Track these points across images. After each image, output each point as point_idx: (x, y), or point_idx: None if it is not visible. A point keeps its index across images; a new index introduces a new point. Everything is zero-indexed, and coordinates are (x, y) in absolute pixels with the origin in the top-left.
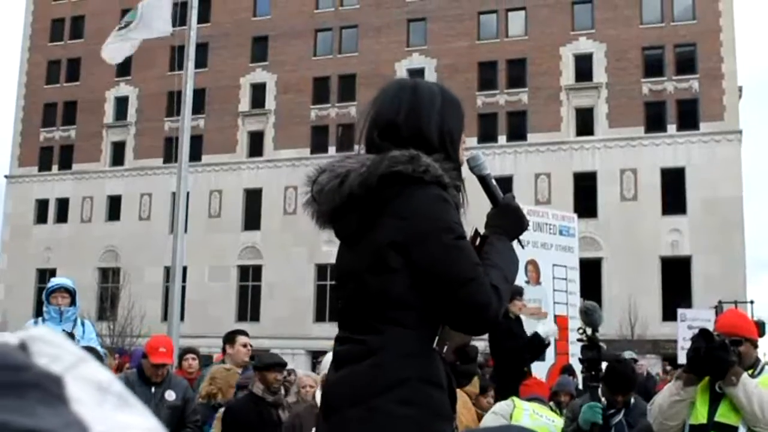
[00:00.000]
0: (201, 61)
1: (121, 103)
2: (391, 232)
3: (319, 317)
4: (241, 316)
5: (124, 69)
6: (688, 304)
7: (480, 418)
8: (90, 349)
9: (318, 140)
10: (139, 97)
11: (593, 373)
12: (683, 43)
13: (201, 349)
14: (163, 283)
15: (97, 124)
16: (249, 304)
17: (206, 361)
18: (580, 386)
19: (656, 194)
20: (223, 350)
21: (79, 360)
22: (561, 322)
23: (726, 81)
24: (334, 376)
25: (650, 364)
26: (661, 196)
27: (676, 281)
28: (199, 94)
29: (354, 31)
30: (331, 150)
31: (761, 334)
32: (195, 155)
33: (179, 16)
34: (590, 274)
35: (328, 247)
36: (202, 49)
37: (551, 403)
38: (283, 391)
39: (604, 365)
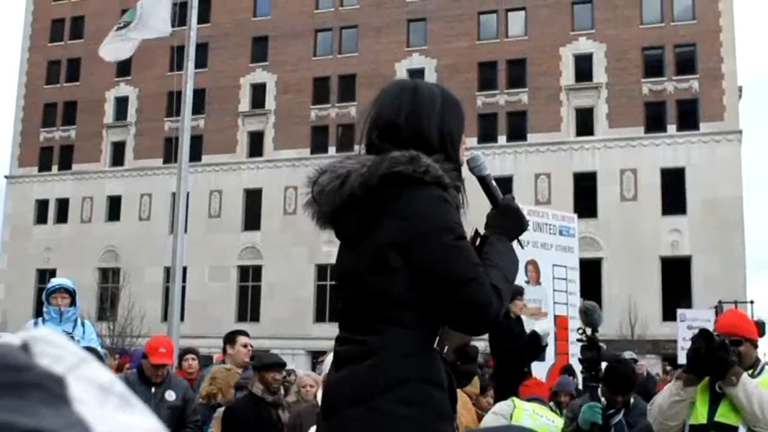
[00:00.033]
0: (201, 62)
1: (121, 103)
2: (391, 232)
3: (319, 317)
4: (241, 317)
5: (124, 69)
6: (688, 305)
7: (480, 418)
8: (90, 350)
9: (318, 140)
10: (139, 97)
11: (593, 373)
12: (683, 43)
13: (201, 350)
14: (163, 284)
15: (97, 125)
16: (249, 305)
17: (206, 361)
18: (580, 386)
19: (656, 194)
20: (224, 350)
21: (81, 360)
22: (561, 322)
23: (726, 81)
24: (335, 376)
25: (650, 365)
26: (661, 196)
27: (676, 281)
28: (199, 95)
29: (354, 31)
30: (331, 150)
31: (761, 334)
32: (195, 155)
33: (179, 16)
34: (590, 274)
35: (328, 248)
36: (202, 49)
37: (551, 404)
38: (282, 391)
39: (603, 365)
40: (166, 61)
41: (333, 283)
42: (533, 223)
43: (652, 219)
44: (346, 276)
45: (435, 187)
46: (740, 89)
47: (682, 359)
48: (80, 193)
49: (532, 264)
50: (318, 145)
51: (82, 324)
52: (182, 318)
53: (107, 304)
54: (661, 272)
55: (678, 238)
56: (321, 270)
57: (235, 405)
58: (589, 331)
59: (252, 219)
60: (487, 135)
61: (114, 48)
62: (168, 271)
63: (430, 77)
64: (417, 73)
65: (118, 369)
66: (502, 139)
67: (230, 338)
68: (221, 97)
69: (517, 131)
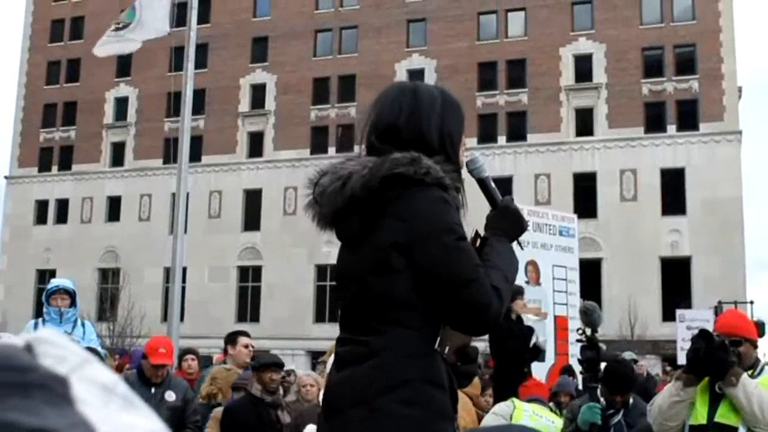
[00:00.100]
0: (201, 62)
1: (121, 103)
2: (392, 233)
3: (319, 318)
4: (241, 317)
5: (123, 70)
6: (687, 305)
7: (480, 418)
8: (91, 350)
9: (318, 141)
10: (138, 98)
11: (592, 373)
12: (683, 43)
13: (201, 350)
14: (163, 284)
15: (97, 125)
16: (249, 305)
17: (206, 361)
18: (580, 387)
19: (656, 195)
20: (225, 351)
21: (84, 361)
22: (561, 322)
23: (726, 81)
24: (336, 377)
25: (650, 365)
26: (661, 197)
27: (675, 282)
28: (199, 95)
29: (354, 31)
30: (331, 150)
31: (761, 334)
32: (195, 156)
33: (179, 17)
34: (590, 274)
35: (327, 248)
36: (202, 49)
37: (551, 404)
38: (281, 392)
39: (603, 366)
40: (166, 61)
41: (333, 283)
42: (533, 223)
43: (652, 219)
44: (348, 277)
45: (436, 188)
46: (740, 89)
47: (681, 360)
48: (80, 193)
49: (532, 264)
50: (318, 146)
51: (82, 324)
52: (182, 318)
53: (107, 305)
54: (660, 272)
55: (678, 239)
56: (321, 270)
57: (233, 405)
58: (588, 331)
59: (252, 219)
60: (486, 135)
61: (111, 47)
62: (168, 272)
63: (430, 78)
64: (417, 74)
65: (118, 369)
66: (501, 139)
67: (231, 339)
68: (221, 98)
69: (517, 131)
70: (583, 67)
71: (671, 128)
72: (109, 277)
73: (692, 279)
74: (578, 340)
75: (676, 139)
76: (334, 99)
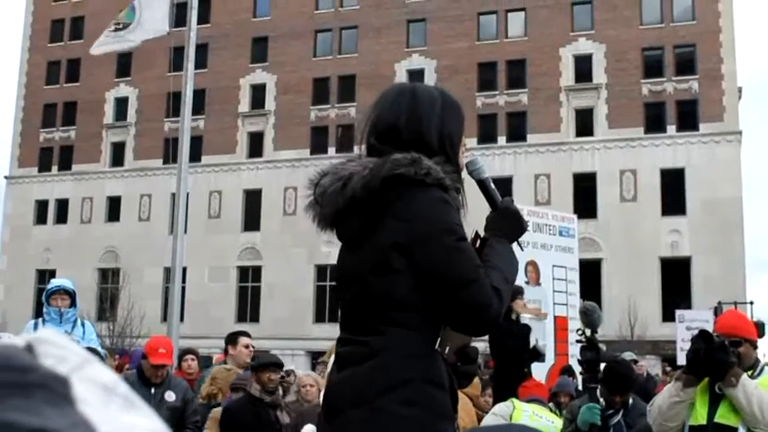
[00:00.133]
0: (201, 62)
1: (121, 103)
2: (393, 233)
3: (319, 318)
4: (241, 317)
5: (123, 70)
6: (687, 305)
7: (479, 418)
8: (91, 350)
9: (318, 141)
10: (138, 98)
11: (592, 374)
12: (683, 43)
13: (200, 350)
14: (163, 284)
15: (97, 125)
16: (249, 305)
17: (206, 362)
18: (580, 387)
19: (656, 195)
20: (225, 351)
21: (85, 361)
22: (561, 322)
23: (726, 82)
24: (337, 377)
25: (650, 365)
26: (661, 197)
27: (675, 282)
28: (198, 95)
29: (354, 31)
30: (331, 151)
31: (761, 334)
32: (195, 156)
33: (179, 17)
34: (590, 274)
35: (327, 248)
36: (201, 49)
37: (551, 404)
38: (281, 392)
39: (602, 366)
40: (166, 61)
41: (333, 283)
42: (533, 223)
43: (652, 220)
44: (348, 277)
45: (436, 188)
46: (740, 90)
47: (681, 360)
48: (80, 193)
49: (532, 265)
50: (318, 146)
51: (82, 324)
52: (182, 318)
53: (107, 305)
54: (660, 273)
55: (678, 239)
56: (320, 270)
57: (232, 406)
58: (588, 332)
59: (252, 219)
60: (486, 136)
61: (109, 47)
62: (168, 272)
63: (430, 78)
64: (417, 74)
65: (118, 369)
66: (501, 139)
67: (232, 339)
68: (221, 98)
69: (517, 132)
70: (583, 68)
71: (671, 128)
72: (109, 277)
73: (692, 279)
74: (578, 341)
75: (676, 140)
76: (334, 99)
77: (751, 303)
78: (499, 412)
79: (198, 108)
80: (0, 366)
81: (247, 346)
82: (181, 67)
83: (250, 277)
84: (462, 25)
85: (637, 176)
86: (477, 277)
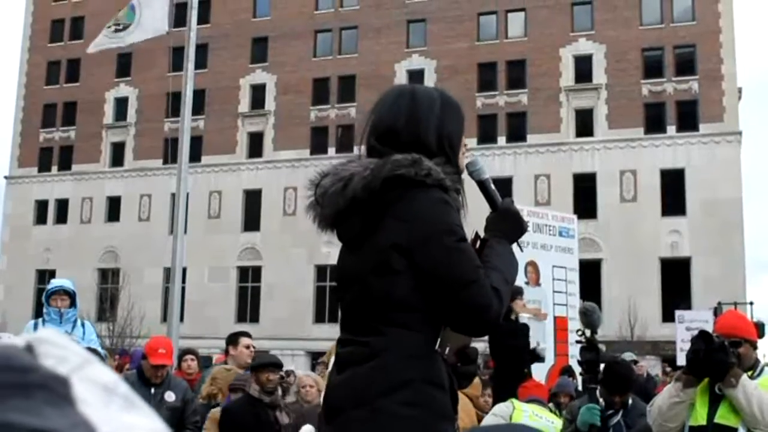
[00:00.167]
0: (201, 62)
1: (121, 103)
2: (393, 234)
3: (319, 318)
4: (241, 317)
5: (123, 70)
6: (687, 306)
7: (479, 419)
8: (91, 351)
9: (317, 141)
10: (138, 98)
11: (592, 374)
12: (683, 44)
13: (200, 350)
14: (163, 284)
15: (97, 125)
16: (248, 305)
17: (205, 362)
18: (580, 388)
19: (656, 195)
20: (226, 351)
21: (85, 361)
22: (560, 323)
23: (725, 82)
24: (337, 378)
25: (650, 366)
26: (661, 198)
27: (675, 282)
28: (198, 95)
29: (354, 32)
30: (331, 151)
31: (760, 335)
32: (195, 156)
33: (179, 17)
34: (590, 275)
35: (327, 248)
36: (201, 50)
37: (550, 405)
38: (280, 392)
39: (602, 367)
40: (166, 61)
41: (333, 284)
42: (533, 224)
43: (652, 220)
44: (349, 278)
45: (437, 189)
46: (740, 90)
47: (681, 361)
48: (80, 193)
49: (532, 265)
50: (318, 146)
51: (82, 325)
52: (182, 319)
53: (107, 305)
54: (660, 273)
55: (677, 239)
56: (320, 271)
57: (231, 406)
58: (588, 332)
59: (251, 220)
60: (486, 136)
61: (106, 46)
62: (168, 272)
63: (430, 78)
64: (417, 74)
65: (118, 370)
66: (501, 140)
67: (233, 339)
68: (221, 98)
69: (517, 132)
70: (583, 68)
71: (671, 129)
72: (108, 278)
73: (692, 280)
74: (578, 342)
75: (676, 140)
76: (334, 99)
77: (751, 303)
78: (499, 412)
79: (198, 108)
80: (0, 366)
81: (248, 347)
82: (181, 67)
83: (250, 277)
84: (462, 25)
85: (637, 177)
86: (477, 278)
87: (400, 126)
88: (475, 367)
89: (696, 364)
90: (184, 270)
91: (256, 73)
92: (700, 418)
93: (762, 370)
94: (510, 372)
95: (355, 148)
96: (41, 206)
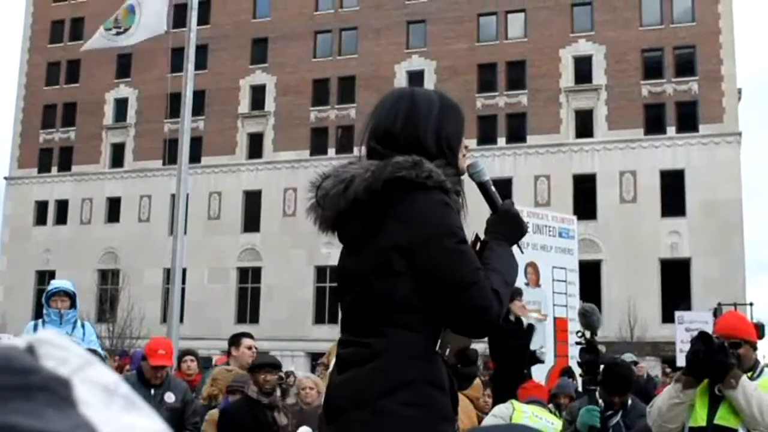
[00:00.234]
0: (201, 63)
1: (121, 104)
2: (394, 235)
3: (319, 319)
4: (241, 318)
5: (123, 71)
6: (687, 306)
7: (480, 420)
8: (91, 351)
9: (317, 142)
10: (138, 99)
11: (591, 376)
12: (683, 45)
13: (200, 351)
14: (163, 285)
15: (97, 126)
16: (248, 306)
17: (205, 363)
18: (580, 388)
19: (656, 196)
20: (228, 352)
21: (86, 363)
22: (560, 324)
23: (725, 83)
24: (338, 378)
25: (650, 367)
26: (661, 198)
27: (675, 283)
28: (198, 96)
29: (354, 32)
30: (331, 152)
31: (760, 336)
32: (194, 157)
33: (178, 18)
34: (590, 276)
35: (327, 249)
36: (201, 50)
37: (550, 405)
38: (279, 393)
39: (602, 368)
40: (166, 62)
41: (333, 284)
42: (533, 225)
43: (652, 221)
44: (350, 279)
45: (437, 191)
46: (739, 91)
47: (680, 361)
48: (80, 194)
49: (532, 266)
50: (317, 147)
51: (82, 326)
52: (181, 320)
53: (107, 306)
54: (660, 274)
55: (677, 240)
56: (320, 272)
57: (230, 408)
58: (587, 334)
59: (251, 221)
60: (486, 137)
61: (102, 45)
62: (167, 273)
63: (430, 79)
64: (416, 75)
65: (118, 370)
66: (501, 140)
67: (235, 340)
68: (221, 99)
69: (517, 133)
70: (583, 69)
71: (671, 130)
72: (108, 278)
73: (692, 280)
74: (577, 343)
75: (676, 141)
76: (334, 100)
77: (751, 304)
78: (499, 413)
79: (198, 109)
80: (1, 368)
81: (250, 348)
82: (180, 68)
83: (249, 278)
84: (462, 26)
85: (636, 177)
86: (477, 280)
87: (398, 129)
88: (476, 369)
89: (696, 365)
90: (184, 271)
91: (256, 74)
92: (700, 419)
93: (762, 371)
94: (510, 373)
95: (356, 150)
96: (41, 207)
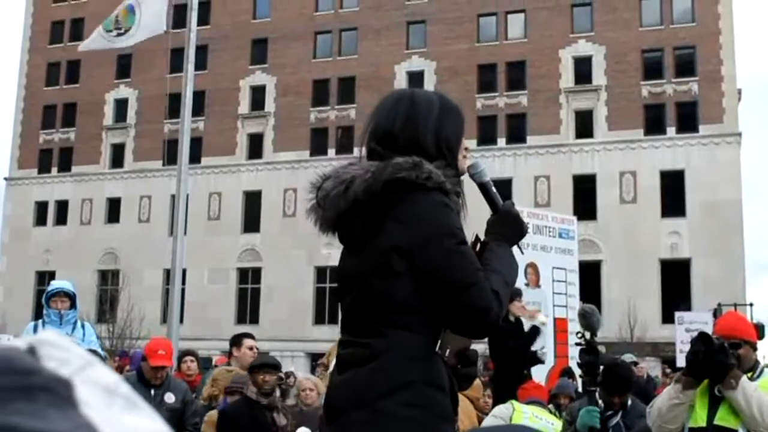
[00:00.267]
0: (201, 64)
1: (121, 105)
2: (394, 236)
3: (319, 320)
4: (241, 319)
5: (123, 71)
6: (687, 307)
7: (480, 420)
8: (91, 352)
9: (317, 142)
10: (138, 99)
11: (591, 377)
12: (682, 45)
13: (200, 352)
14: (163, 286)
15: (97, 126)
16: (248, 307)
17: (205, 363)
18: (580, 389)
19: (656, 197)
20: (230, 353)
21: (87, 363)
22: (560, 324)
23: (725, 83)
24: (338, 379)
25: (650, 367)
26: (661, 199)
27: (675, 284)
28: (198, 97)
29: (353, 33)
30: (331, 152)
31: (760, 336)
32: (194, 157)
33: (178, 18)
34: (590, 276)
35: (327, 250)
36: (201, 51)
37: (550, 406)
38: (279, 394)
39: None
40: (166, 63)
41: (332, 285)
42: (533, 225)
43: (652, 221)
44: (350, 280)
45: (437, 192)
46: (739, 92)
47: (680, 362)
48: (80, 195)
49: (532, 267)
50: (317, 148)
51: (82, 326)
52: (181, 320)
53: (107, 306)
54: (660, 275)
55: (677, 241)
56: (320, 272)
57: (229, 409)
58: (587, 334)
59: (251, 221)
60: (486, 137)
61: (100, 45)
62: (167, 273)
63: (430, 79)
64: (416, 76)
65: (118, 371)
66: (501, 141)
67: (236, 341)
68: (221, 99)
69: (517, 133)
70: (583, 69)
71: (671, 130)
72: (108, 279)
73: (692, 281)
74: (577, 344)
75: (676, 141)
76: (334, 101)
77: (751, 305)
78: (499, 414)
79: (198, 109)
80: (3, 369)
81: (251, 348)
82: (180, 68)
83: (249, 278)
84: (462, 26)
85: (636, 178)
86: (477, 281)
87: (398, 130)
88: (476, 369)
89: (696, 365)
90: (184, 271)
91: (256, 74)
92: (700, 419)
93: (762, 371)
94: (510, 373)
95: (356, 150)
96: (41, 207)
